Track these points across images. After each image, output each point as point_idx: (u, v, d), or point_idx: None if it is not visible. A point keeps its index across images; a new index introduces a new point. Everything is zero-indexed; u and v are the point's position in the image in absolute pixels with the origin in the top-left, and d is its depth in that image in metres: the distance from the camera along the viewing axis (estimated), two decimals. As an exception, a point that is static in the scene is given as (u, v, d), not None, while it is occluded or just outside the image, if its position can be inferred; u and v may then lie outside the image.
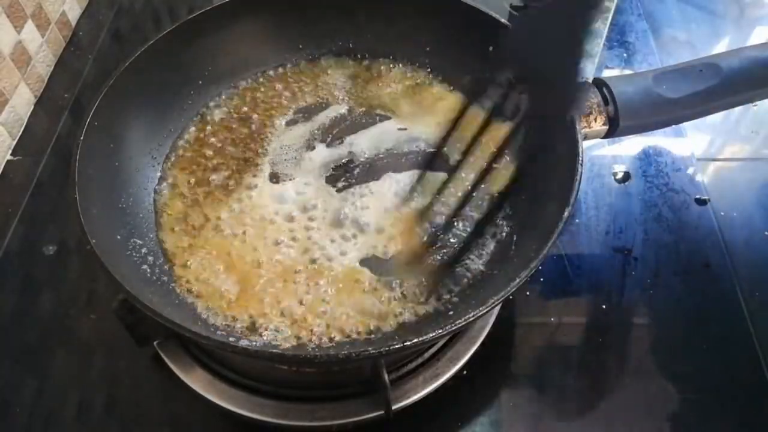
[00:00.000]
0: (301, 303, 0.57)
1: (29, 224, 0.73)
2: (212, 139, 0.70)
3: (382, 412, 0.55)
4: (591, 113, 0.62)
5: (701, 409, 0.60)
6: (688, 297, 0.67)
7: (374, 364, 0.52)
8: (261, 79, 0.75)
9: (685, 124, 0.78)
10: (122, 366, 0.62)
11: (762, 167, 0.80)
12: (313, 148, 0.70)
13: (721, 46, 0.97)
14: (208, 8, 0.70)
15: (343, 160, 0.68)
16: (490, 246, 0.61)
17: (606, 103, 0.62)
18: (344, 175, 0.67)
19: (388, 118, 0.72)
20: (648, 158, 0.79)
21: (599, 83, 0.63)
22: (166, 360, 0.59)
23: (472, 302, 0.54)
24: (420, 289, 0.58)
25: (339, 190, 0.66)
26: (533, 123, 0.52)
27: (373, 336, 0.55)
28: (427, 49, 0.76)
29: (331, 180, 0.67)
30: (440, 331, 0.47)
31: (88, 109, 0.60)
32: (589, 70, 0.88)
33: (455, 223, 0.62)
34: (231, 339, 0.52)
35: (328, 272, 0.59)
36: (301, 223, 0.63)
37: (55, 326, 0.65)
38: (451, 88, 0.74)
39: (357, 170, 0.68)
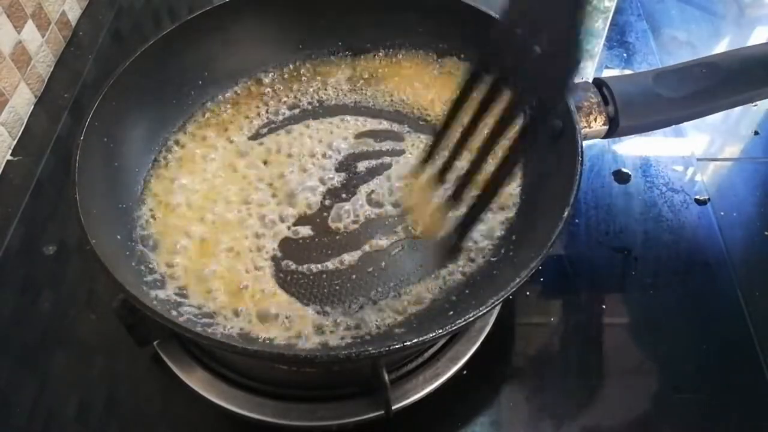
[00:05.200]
0: (299, 302, 0.57)
1: (29, 224, 0.73)
2: (212, 139, 0.69)
3: (382, 412, 0.55)
4: (591, 113, 0.62)
5: (701, 409, 0.60)
6: (688, 297, 0.67)
7: (374, 364, 0.52)
8: (261, 79, 0.75)
9: (685, 124, 0.78)
10: (122, 366, 0.62)
11: (762, 167, 0.80)
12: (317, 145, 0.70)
13: (721, 46, 0.97)
14: (208, 8, 0.70)
15: (347, 154, 0.69)
16: (490, 245, 0.61)
17: (606, 103, 0.62)
18: (349, 169, 0.68)
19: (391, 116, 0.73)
20: (648, 158, 0.79)
21: (599, 83, 0.63)
22: (166, 360, 0.58)
23: (472, 302, 0.54)
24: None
25: (347, 182, 0.67)
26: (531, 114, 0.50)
27: (373, 336, 0.55)
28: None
29: (342, 170, 0.68)
30: (440, 331, 0.47)
31: (88, 109, 0.60)
32: (589, 70, 0.88)
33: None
34: (222, 332, 0.52)
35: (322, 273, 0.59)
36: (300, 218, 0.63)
37: (55, 326, 0.65)
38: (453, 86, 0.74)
39: (361, 164, 0.68)
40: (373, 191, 0.66)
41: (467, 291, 0.58)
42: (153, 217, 0.63)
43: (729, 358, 0.63)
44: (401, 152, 0.69)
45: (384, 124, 0.72)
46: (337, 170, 0.68)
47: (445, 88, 0.74)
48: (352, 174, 0.68)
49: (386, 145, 0.70)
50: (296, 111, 0.73)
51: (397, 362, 0.58)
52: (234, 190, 0.66)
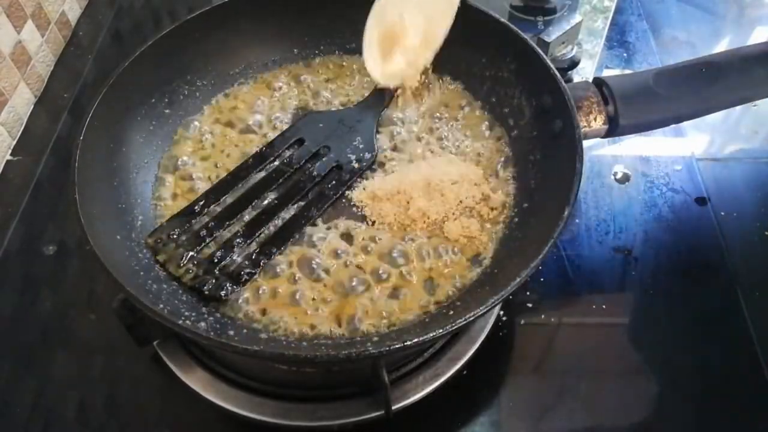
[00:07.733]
0: (300, 301, 0.57)
1: (29, 224, 0.73)
2: (211, 139, 0.69)
3: (382, 412, 0.55)
4: (591, 112, 0.62)
5: (701, 408, 0.60)
6: (688, 297, 0.67)
7: (374, 364, 0.52)
8: (261, 79, 0.75)
9: (685, 124, 0.78)
10: (122, 366, 0.62)
11: (762, 167, 0.80)
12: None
13: (721, 46, 0.97)
14: (208, 8, 0.70)
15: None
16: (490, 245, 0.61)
17: (606, 102, 0.62)
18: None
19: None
20: (648, 158, 0.79)
21: (599, 82, 0.63)
22: (166, 360, 0.59)
23: (472, 302, 0.54)
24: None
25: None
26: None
27: (373, 336, 0.55)
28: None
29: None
30: (440, 330, 0.47)
31: (88, 108, 0.60)
32: (589, 70, 0.88)
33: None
34: (225, 335, 0.52)
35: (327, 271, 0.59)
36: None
37: (55, 326, 0.65)
38: (452, 86, 0.74)
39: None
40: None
41: (467, 291, 0.58)
42: (153, 215, 0.63)
43: (729, 358, 0.63)
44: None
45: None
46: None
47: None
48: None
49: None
50: (298, 111, 0.73)
51: (397, 362, 0.58)
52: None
